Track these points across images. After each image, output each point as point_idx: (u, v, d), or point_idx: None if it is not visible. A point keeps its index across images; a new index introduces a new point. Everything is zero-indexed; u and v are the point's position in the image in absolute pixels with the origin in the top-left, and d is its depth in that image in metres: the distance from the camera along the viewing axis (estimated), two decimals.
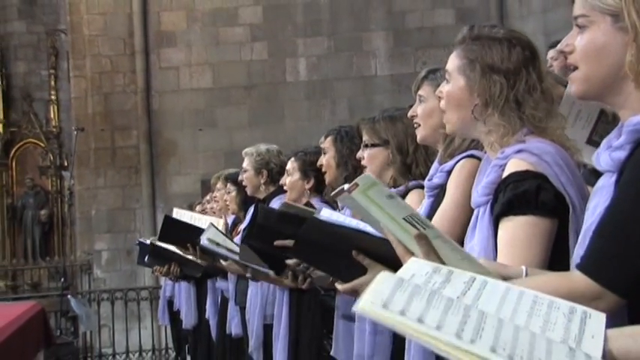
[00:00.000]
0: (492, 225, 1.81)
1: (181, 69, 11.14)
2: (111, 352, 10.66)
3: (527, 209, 1.75)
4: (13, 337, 4.06)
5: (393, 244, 1.64)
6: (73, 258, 11.68)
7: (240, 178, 4.65)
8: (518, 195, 1.76)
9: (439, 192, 2.39)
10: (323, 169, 3.57)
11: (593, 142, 2.09)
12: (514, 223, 1.76)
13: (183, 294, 6.99)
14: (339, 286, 2.17)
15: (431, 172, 2.48)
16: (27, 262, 12.62)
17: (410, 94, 2.62)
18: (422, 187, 2.66)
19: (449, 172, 2.35)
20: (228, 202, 5.44)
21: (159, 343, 10.71)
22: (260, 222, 2.99)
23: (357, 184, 1.56)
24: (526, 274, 1.58)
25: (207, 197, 7.17)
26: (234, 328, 5.00)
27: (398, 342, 2.62)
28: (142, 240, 6.82)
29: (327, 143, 3.54)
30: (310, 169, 3.84)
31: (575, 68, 1.57)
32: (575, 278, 1.46)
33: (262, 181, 4.48)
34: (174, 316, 8.15)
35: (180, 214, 5.43)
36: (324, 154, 3.55)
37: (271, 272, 3.55)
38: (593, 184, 1.60)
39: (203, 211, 7.56)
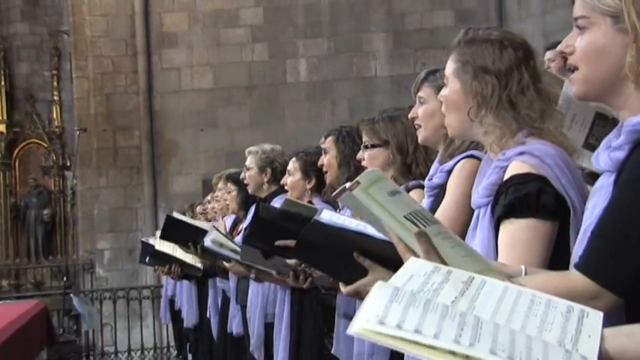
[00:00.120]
0: (493, 226, 1.81)
1: (183, 70, 11.14)
2: (113, 351, 10.66)
3: (528, 212, 1.75)
4: (16, 336, 4.06)
5: (393, 241, 1.64)
6: (76, 257, 11.68)
7: (242, 176, 4.63)
8: (520, 198, 1.76)
9: (439, 192, 2.38)
10: (324, 169, 3.57)
11: (590, 145, 2.09)
12: (515, 226, 1.76)
13: (184, 293, 7.00)
14: (342, 287, 2.17)
15: (431, 171, 2.48)
16: (30, 261, 12.64)
17: (409, 94, 2.62)
18: (422, 186, 2.66)
19: (449, 172, 2.35)
20: (228, 202, 5.43)
21: (160, 342, 10.71)
22: (261, 221, 2.98)
23: (358, 182, 1.56)
24: (525, 274, 1.58)
25: (209, 197, 7.17)
26: (235, 327, 5.00)
27: None
28: (144, 239, 6.82)
29: (328, 143, 3.53)
30: (311, 169, 3.84)
31: (576, 69, 1.56)
32: (574, 277, 1.46)
33: (265, 180, 4.46)
34: (176, 315, 8.16)
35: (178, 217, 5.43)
36: (325, 153, 3.54)
37: (274, 272, 3.54)
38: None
39: (204, 211, 7.58)
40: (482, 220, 1.85)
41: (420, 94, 2.50)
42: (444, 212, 2.27)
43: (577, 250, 1.53)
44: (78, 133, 10.35)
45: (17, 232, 13.36)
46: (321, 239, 2.14)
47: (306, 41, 11.11)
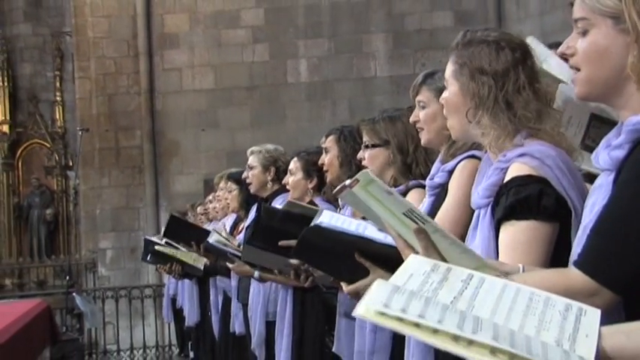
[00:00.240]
0: (493, 227, 1.81)
1: (184, 70, 11.14)
2: (115, 349, 10.66)
3: (529, 214, 1.74)
4: (19, 334, 4.06)
5: (393, 238, 1.65)
6: (78, 256, 11.69)
7: (244, 175, 4.60)
8: (521, 200, 1.75)
9: (440, 191, 2.38)
10: (324, 168, 3.56)
11: (587, 146, 2.09)
12: (515, 228, 1.75)
13: (185, 292, 7.00)
14: (343, 286, 2.17)
15: (432, 171, 2.47)
16: (33, 260, 12.65)
17: (409, 94, 2.61)
18: (422, 186, 2.66)
19: (450, 172, 2.35)
20: (229, 201, 5.42)
21: (162, 340, 10.72)
22: (264, 221, 2.98)
23: (357, 180, 1.56)
24: (523, 272, 1.58)
25: (210, 197, 7.17)
26: (237, 326, 5.00)
27: (398, 339, 2.62)
28: (148, 237, 6.84)
29: (329, 142, 3.52)
30: (313, 169, 3.83)
31: (577, 70, 1.56)
32: (572, 275, 1.46)
33: (269, 178, 4.44)
34: (178, 314, 8.17)
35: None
36: (326, 152, 3.53)
37: (276, 270, 3.55)
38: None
39: (205, 211, 7.58)
40: (483, 220, 1.85)
41: (419, 97, 2.48)
42: (446, 213, 2.27)
43: (576, 248, 1.53)
44: (80, 133, 10.37)
45: (20, 231, 13.37)
46: (321, 242, 2.14)
47: (307, 42, 11.10)
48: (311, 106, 11.03)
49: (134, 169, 11.13)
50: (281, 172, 4.33)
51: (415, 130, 2.54)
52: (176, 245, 5.42)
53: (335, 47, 11.08)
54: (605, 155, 1.50)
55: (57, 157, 13.45)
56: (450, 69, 2.00)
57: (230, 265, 4.34)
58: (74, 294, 9.60)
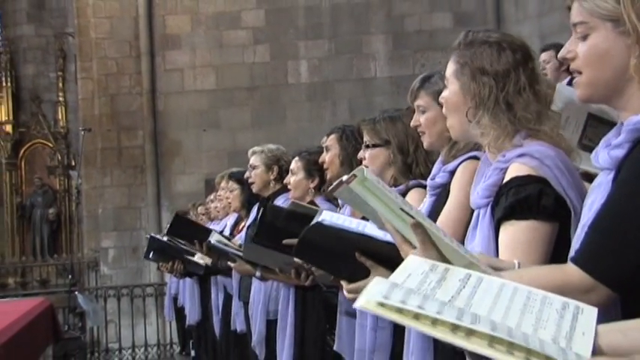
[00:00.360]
0: (493, 227, 1.81)
1: (186, 71, 11.14)
2: (117, 347, 10.67)
3: (529, 214, 1.74)
4: (22, 333, 4.06)
5: (390, 232, 1.64)
6: (81, 255, 11.68)
7: (246, 175, 4.59)
8: (521, 200, 1.75)
9: (441, 191, 2.37)
10: (325, 166, 3.56)
11: (584, 146, 2.09)
12: (515, 228, 1.75)
13: (187, 290, 7.00)
14: (344, 285, 2.17)
15: (434, 171, 2.46)
16: (36, 259, 12.65)
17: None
18: (422, 186, 2.66)
19: (452, 173, 2.34)
20: (230, 200, 5.41)
21: (164, 338, 10.72)
22: (268, 220, 2.98)
23: (355, 175, 1.56)
24: (518, 268, 1.58)
25: (211, 197, 7.16)
26: (238, 324, 5.00)
27: (398, 337, 2.62)
28: (153, 234, 6.86)
29: (330, 141, 3.52)
30: (314, 169, 3.83)
31: (579, 73, 1.56)
32: (569, 271, 1.47)
33: (272, 177, 4.43)
34: (179, 312, 8.17)
35: None
36: (327, 151, 3.53)
37: (277, 269, 3.54)
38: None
39: (207, 211, 7.58)
40: (482, 220, 1.85)
41: (418, 102, 2.47)
42: (449, 214, 2.26)
43: (575, 245, 1.53)
44: (83, 133, 10.37)
45: (23, 230, 13.37)
46: (322, 241, 2.14)
47: (307, 43, 11.10)
48: (311, 107, 11.03)
49: (136, 168, 11.13)
50: (283, 171, 4.32)
51: (415, 131, 2.53)
52: (180, 243, 5.43)
53: (335, 48, 11.08)
54: (605, 154, 1.50)
55: (59, 157, 13.45)
56: (450, 68, 2.00)
57: (231, 264, 4.34)
58: (76, 293, 9.60)
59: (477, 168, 2.12)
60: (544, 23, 9.67)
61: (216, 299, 5.85)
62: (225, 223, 5.92)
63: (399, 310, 1.10)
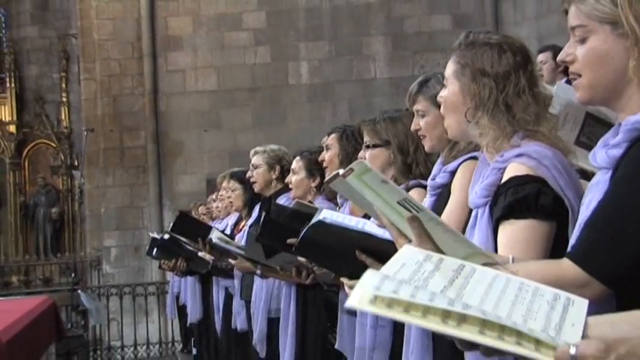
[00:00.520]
0: (492, 227, 1.81)
1: (187, 72, 11.14)
2: (119, 345, 10.67)
3: (527, 213, 1.75)
4: (25, 331, 4.06)
5: (386, 226, 1.64)
6: (83, 254, 11.68)
7: (248, 174, 4.59)
8: (519, 199, 1.76)
9: (442, 191, 2.37)
10: (324, 165, 3.56)
11: (581, 143, 2.10)
12: (514, 227, 1.75)
13: (189, 289, 7.00)
14: (344, 282, 2.17)
15: (434, 171, 2.46)
16: (39, 258, 12.65)
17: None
18: (422, 186, 2.65)
19: (452, 173, 2.34)
20: (232, 200, 5.40)
21: (165, 337, 10.72)
22: (273, 220, 2.98)
23: (352, 169, 1.56)
24: (512, 262, 1.58)
25: (213, 196, 7.16)
26: (239, 323, 4.99)
27: (398, 336, 2.62)
28: (154, 235, 6.93)
29: (331, 140, 3.53)
30: (315, 168, 3.83)
31: (578, 76, 1.56)
32: (564, 266, 1.47)
33: (274, 177, 4.43)
34: (182, 310, 8.17)
35: None
36: (327, 150, 3.54)
37: (278, 268, 3.54)
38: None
39: (208, 211, 7.58)
40: (481, 220, 1.85)
41: (417, 107, 2.46)
42: (450, 215, 2.26)
43: (572, 242, 1.54)
44: (85, 133, 10.37)
45: (27, 229, 13.38)
46: (323, 238, 2.14)
47: (308, 44, 11.10)
48: (312, 107, 11.03)
49: (138, 168, 11.13)
50: (285, 171, 4.32)
51: (416, 132, 2.53)
52: (183, 240, 5.43)
53: (335, 49, 11.08)
54: (603, 154, 1.50)
55: (62, 157, 13.46)
56: (450, 68, 2.00)
57: (232, 262, 4.33)
58: (79, 291, 9.59)
59: None
60: (542, 25, 9.67)
61: (217, 298, 5.85)
62: (226, 222, 5.92)
63: (389, 305, 1.10)
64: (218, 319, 5.86)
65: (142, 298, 10.63)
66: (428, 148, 2.48)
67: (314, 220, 2.21)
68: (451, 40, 2.06)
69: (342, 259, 2.13)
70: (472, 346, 1.16)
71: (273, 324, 4.09)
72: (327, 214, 2.23)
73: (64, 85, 13.62)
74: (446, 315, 1.10)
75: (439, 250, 1.50)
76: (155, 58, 11.10)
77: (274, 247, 3.09)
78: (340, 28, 11.08)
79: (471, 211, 1.97)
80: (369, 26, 11.09)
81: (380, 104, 9.97)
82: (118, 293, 10.58)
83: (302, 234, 2.21)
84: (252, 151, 4.57)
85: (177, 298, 8.18)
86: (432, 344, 2.24)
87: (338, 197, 3.53)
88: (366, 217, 2.50)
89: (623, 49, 1.48)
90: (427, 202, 2.44)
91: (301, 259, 3.09)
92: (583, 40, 1.53)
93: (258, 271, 3.96)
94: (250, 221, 4.67)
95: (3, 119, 13.44)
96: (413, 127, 2.48)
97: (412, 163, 2.78)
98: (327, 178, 1.65)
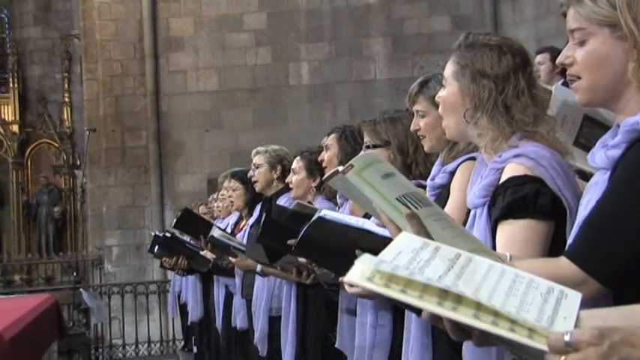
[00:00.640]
0: (490, 227, 1.81)
1: (189, 72, 11.13)
2: (121, 343, 10.66)
3: (526, 213, 1.75)
4: (28, 329, 4.05)
5: (385, 223, 1.64)
6: (85, 253, 11.69)
7: (250, 174, 4.58)
8: (518, 199, 1.75)
9: (441, 192, 2.37)
10: (324, 165, 3.56)
11: (580, 144, 2.10)
12: (513, 227, 1.75)
13: (190, 287, 7.00)
14: (344, 279, 2.16)
15: (433, 172, 2.46)
16: (41, 256, 12.66)
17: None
18: (421, 186, 2.64)
19: (451, 173, 2.34)
20: (233, 199, 5.40)
21: (166, 335, 10.71)
22: (273, 220, 2.97)
23: (352, 165, 1.55)
24: (510, 260, 1.58)
25: (214, 196, 7.16)
26: (239, 321, 4.99)
27: (397, 335, 2.62)
28: (157, 233, 6.96)
29: (330, 140, 3.53)
30: (316, 168, 3.82)
31: (578, 78, 1.56)
32: (562, 264, 1.48)
33: (276, 177, 4.43)
34: (182, 309, 8.17)
35: None
36: (327, 150, 3.53)
37: (278, 267, 3.54)
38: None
39: (209, 210, 7.57)
40: (479, 220, 1.85)
41: (417, 107, 2.46)
42: (450, 214, 2.26)
43: (569, 241, 1.55)
44: (88, 133, 10.37)
45: (29, 228, 13.39)
46: (322, 237, 2.14)
47: (308, 45, 11.10)
48: (312, 108, 11.03)
49: (140, 168, 11.13)
50: (286, 171, 4.32)
51: (415, 132, 2.53)
52: (184, 240, 5.45)
53: (335, 50, 11.08)
54: (602, 154, 1.50)
55: (65, 157, 13.47)
56: (450, 69, 1.99)
57: (233, 260, 4.33)
58: (81, 290, 9.58)
59: None
60: (540, 27, 9.67)
61: (218, 296, 5.85)
62: (227, 222, 5.92)
63: (387, 284, 1.10)
64: (218, 317, 5.86)
65: (143, 297, 10.63)
66: (427, 148, 2.48)
67: (313, 218, 2.21)
68: (450, 42, 2.05)
69: (341, 258, 2.12)
70: (464, 335, 1.16)
71: (274, 323, 4.08)
72: (326, 213, 2.22)
73: (66, 86, 13.63)
74: (442, 297, 1.10)
75: None
76: (157, 58, 11.10)
77: (275, 248, 3.09)
78: (340, 29, 11.07)
79: (469, 211, 1.97)
80: (369, 27, 11.08)
81: (380, 105, 9.96)
82: (119, 292, 10.58)
83: (302, 232, 2.20)
84: (253, 151, 4.57)
85: (179, 296, 8.18)
86: (432, 343, 2.24)
87: (338, 197, 3.53)
88: (366, 216, 2.49)
89: (622, 52, 1.48)
90: None
91: (302, 260, 3.09)
92: (582, 43, 1.53)
93: (259, 269, 3.96)
94: (251, 220, 4.67)
95: (6, 119, 13.46)
96: (412, 128, 2.48)
97: (412, 164, 2.78)
98: (326, 176, 1.64)
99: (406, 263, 1.21)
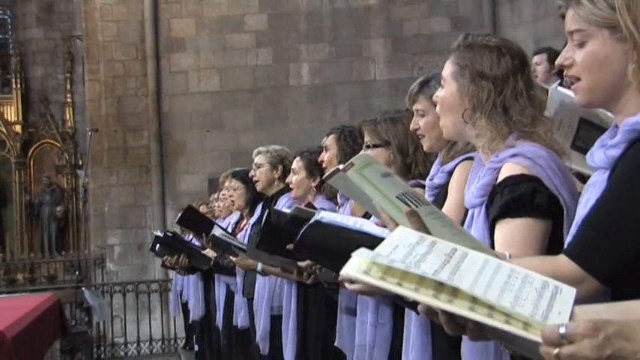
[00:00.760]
0: (488, 226, 1.81)
1: (190, 73, 11.13)
2: (123, 342, 10.66)
3: (523, 212, 1.75)
4: (30, 327, 4.06)
5: (384, 221, 1.64)
6: (87, 252, 11.69)
7: (251, 173, 4.58)
8: (515, 198, 1.76)
9: (440, 191, 2.37)
10: (323, 165, 3.55)
11: (577, 147, 2.10)
12: (511, 226, 1.76)
13: (191, 286, 7.00)
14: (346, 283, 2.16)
15: (432, 172, 2.46)
16: (44, 256, 12.66)
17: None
18: (421, 186, 2.65)
19: (449, 173, 2.34)
20: (233, 199, 5.40)
21: (168, 333, 10.72)
22: (272, 225, 2.97)
23: (352, 164, 1.55)
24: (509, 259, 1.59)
25: (215, 195, 7.16)
26: (240, 320, 4.99)
27: (397, 334, 2.62)
28: (158, 233, 6.99)
29: (329, 140, 3.53)
30: (315, 168, 3.82)
31: (577, 80, 1.56)
32: (561, 262, 1.48)
33: (277, 176, 4.42)
34: (184, 307, 8.17)
35: None
36: (326, 150, 3.53)
37: (279, 268, 3.54)
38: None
39: (210, 210, 7.57)
40: (477, 220, 1.85)
41: (417, 106, 2.46)
42: (448, 214, 2.26)
43: (568, 240, 1.55)
44: (90, 133, 10.38)
45: (32, 228, 13.39)
46: (321, 239, 2.14)
47: (309, 46, 11.10)
48: (312, 108, 11.03)
49: (141, 168, 11.13)
50: (287, 171, 4.32)
51: (415, 132, 2.53)
52: (184, 239, 5.46)
53: (336, 51, 11.08)
54: (601, 154, 1.50)
55: (67, 157, 13.47)
56: (449, 69, 1.99)
57: (234, 259, 4.33)
58: (83, 288, 9.60)
59: None
60: (539, 28, 9.67)
61: (219, 295, 5.85)
62: (228, 221, 5.92)
63: (384, 277, 1.10)
64: (219, 316, 5.86)
65: (144, 296, 10.63)
66: (426, 147, 2.48)
67: (311, 221, 2.20)
68: (450, 43, 2.05)
69: (340, 259, 2.12)
70: (459, 329, 1.16)
71: (275, 321, 4.08)
72: (324, 215, 2.22)
73: (68, 86, 13.63)
74: (438, 290, 1.10)
75: None
76: (158, 59, 11.10)
77: (275, 253, 3.09)
78: (340, 30, 11.08)
79: (467, 211, 1.98)
80: (369, 28, 11.08)
81: (379, 105, 9.97)
82: (121, 290, 10.58)
83: (300, 234, 2.20)
84: (255, 151, 4.57)
85: (181, 295, 8.18)
86: (432, 342, 2.24)
87: (338, 197, 3.53)
88: (366, 216, 2.49)
89: (622, 53, 1.48)
90: None
91: (302, 263, 3.08)
92: (581, 44, 1.53)
93: (259, 268, 3.96)
94: (252, 220, 4.67)
95: (9, 119, 13.46)
96: (412, 126, 2.48)
97: (411, 164, 2.78)
98: (326, 174, 1.64)
99: (402, 257, 1.21)
